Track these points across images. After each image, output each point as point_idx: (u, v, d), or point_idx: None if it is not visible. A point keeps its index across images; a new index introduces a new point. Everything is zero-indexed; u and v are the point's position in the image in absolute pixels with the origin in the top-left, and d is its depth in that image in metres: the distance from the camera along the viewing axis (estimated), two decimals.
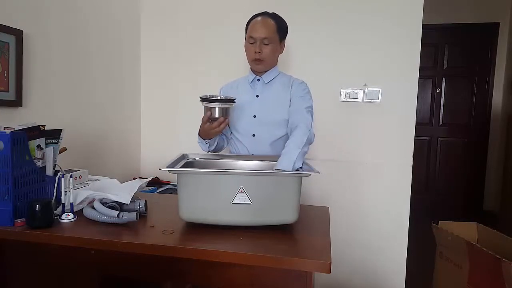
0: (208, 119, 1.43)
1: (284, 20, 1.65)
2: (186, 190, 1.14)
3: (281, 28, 1.62)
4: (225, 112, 1.43)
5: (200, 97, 1.42)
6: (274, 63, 1.68)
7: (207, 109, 1.43)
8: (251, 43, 1.59)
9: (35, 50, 1.71)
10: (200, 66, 2.49)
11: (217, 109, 1.41)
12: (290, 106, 1.61)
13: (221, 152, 1.76)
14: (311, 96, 1.65)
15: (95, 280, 1.14)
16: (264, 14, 1.62)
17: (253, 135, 1.65)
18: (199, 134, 1.56)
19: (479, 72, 4.14)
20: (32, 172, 1.19)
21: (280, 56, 1.70)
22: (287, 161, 1.29)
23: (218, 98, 1.45)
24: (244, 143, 1.67)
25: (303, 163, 1.32)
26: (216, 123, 1.43)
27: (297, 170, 1.27)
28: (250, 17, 1.64)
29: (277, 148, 1.66)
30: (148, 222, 1.23)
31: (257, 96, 1.66)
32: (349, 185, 2.32)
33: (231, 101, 1.44)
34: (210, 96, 1.44)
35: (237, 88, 1.71)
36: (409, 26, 2.18)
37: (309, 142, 1.45)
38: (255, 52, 1.58)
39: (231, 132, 1.73)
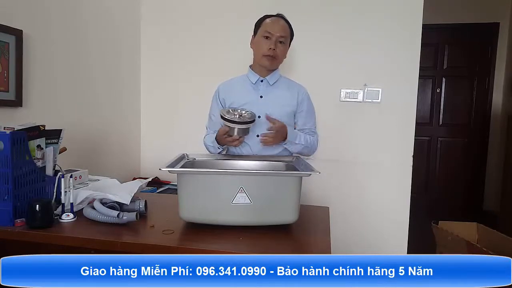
0: (225, 133, 1.50)
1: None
2: (186, 190, 1.14)
3: (292, 32, 1.68)
4: (242, 131, 1.48)
5: (221, 116, 1.46)
6: (279, 65, 1.70)
7: (226, 126, 1.48)
8: (266, 38, 1.60)
9: (35, 50, 1.71)
10: (200, 65, 2.48)
11: (236, 129, 1.46)
12: (298, 113, 1.69)
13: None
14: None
15: None
16: (280, 15, 1.67)
17: (257, 136, 1.65)
18: (216, 139, 1.59)
19: (479, 72, 4.13)
20: (32, 172, 1.19)
21: None
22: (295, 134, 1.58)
23: (237, 114, 1.49)
24: (249, 143, 1.67)
25: (304, 162, 1.32)
26: (230, 139, 1.50)
27: (295, 168, 1.27)
28: (261, 16, 1.67)
29: (280, 147, 1.66)
30: (148, 222, 1.23)
31: (261, 97, 1.67)
32: (349, 185, 2.32)
33: (251, 122, 1.47)
34: (231, 109, 1.50)
35: (237, 88, 1.70)
36: (409, 26, 2.18)
37: (313, 150, 1.70)
38: (269, 48, 1.59)
39: None
